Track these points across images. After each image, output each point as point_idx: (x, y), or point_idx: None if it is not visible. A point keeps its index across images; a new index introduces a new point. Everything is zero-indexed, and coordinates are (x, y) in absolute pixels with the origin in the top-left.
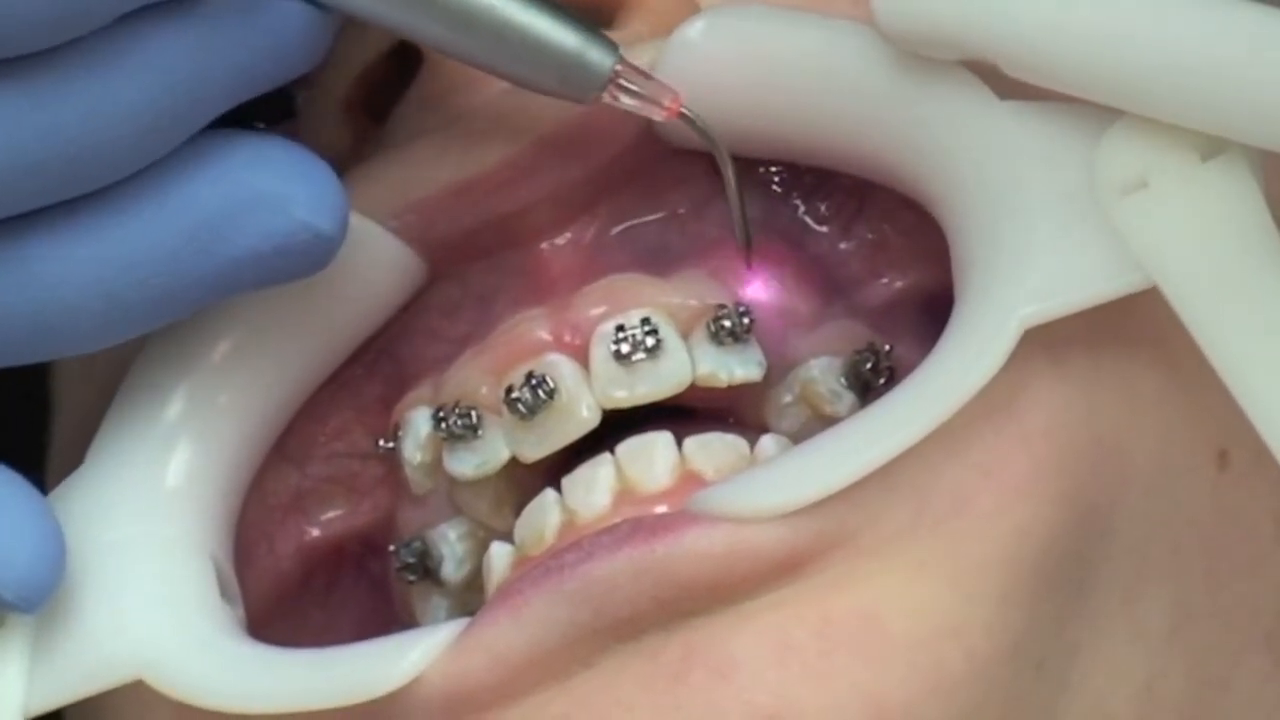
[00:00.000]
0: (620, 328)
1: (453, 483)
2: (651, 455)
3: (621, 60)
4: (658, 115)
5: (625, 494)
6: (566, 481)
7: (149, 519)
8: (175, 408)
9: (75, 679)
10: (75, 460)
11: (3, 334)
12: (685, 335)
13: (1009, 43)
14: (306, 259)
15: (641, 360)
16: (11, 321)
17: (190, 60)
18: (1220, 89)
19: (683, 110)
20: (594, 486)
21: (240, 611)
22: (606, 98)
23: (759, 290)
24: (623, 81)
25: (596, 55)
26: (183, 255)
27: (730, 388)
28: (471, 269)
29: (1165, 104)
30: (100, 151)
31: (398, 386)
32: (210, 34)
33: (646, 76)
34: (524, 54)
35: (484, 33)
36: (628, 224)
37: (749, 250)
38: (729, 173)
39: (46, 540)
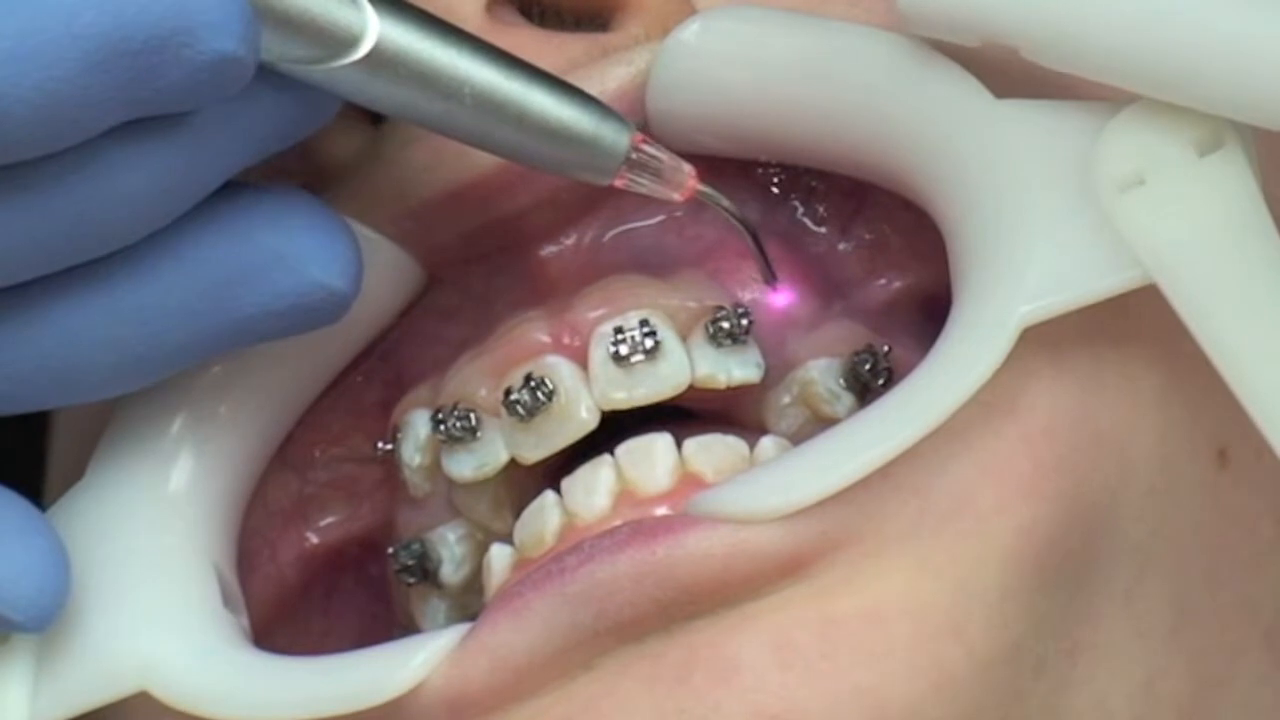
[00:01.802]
0: (619, 329)
1: (452, 485)
2: (651, 457)
3: (635, 140)
4: (675, 197)
5: (625, 496)
6: (566, 483)
7: (151, 530)
8: (176, 418)
9: (79, 691)
10: (75, 473)
11: (17, 384)
12: (684, 337)
13: (1031, 27)
14: (320, 315)
15: (640, 362)
16: (26, 373)
17: (186, 151)
18: (1243, 73)
19: (700, 188)
20: (594, 488)
21: (244, 620)
22: (619, 183)
23: (759, 293)
24: (638, 162)
25: (610, 138)
26: (196, 312)
27: (729, 389)
28: (470, 273)
29: (1188, 87)
30: (98, 232)
31: (397, 391)
32: (206, 128)
33: (660, 156)
34: (538, 143)
35: (497, 121)
36: (625, 227)
37: (774, 283)
38: (748, 233)
39: (51, 560)
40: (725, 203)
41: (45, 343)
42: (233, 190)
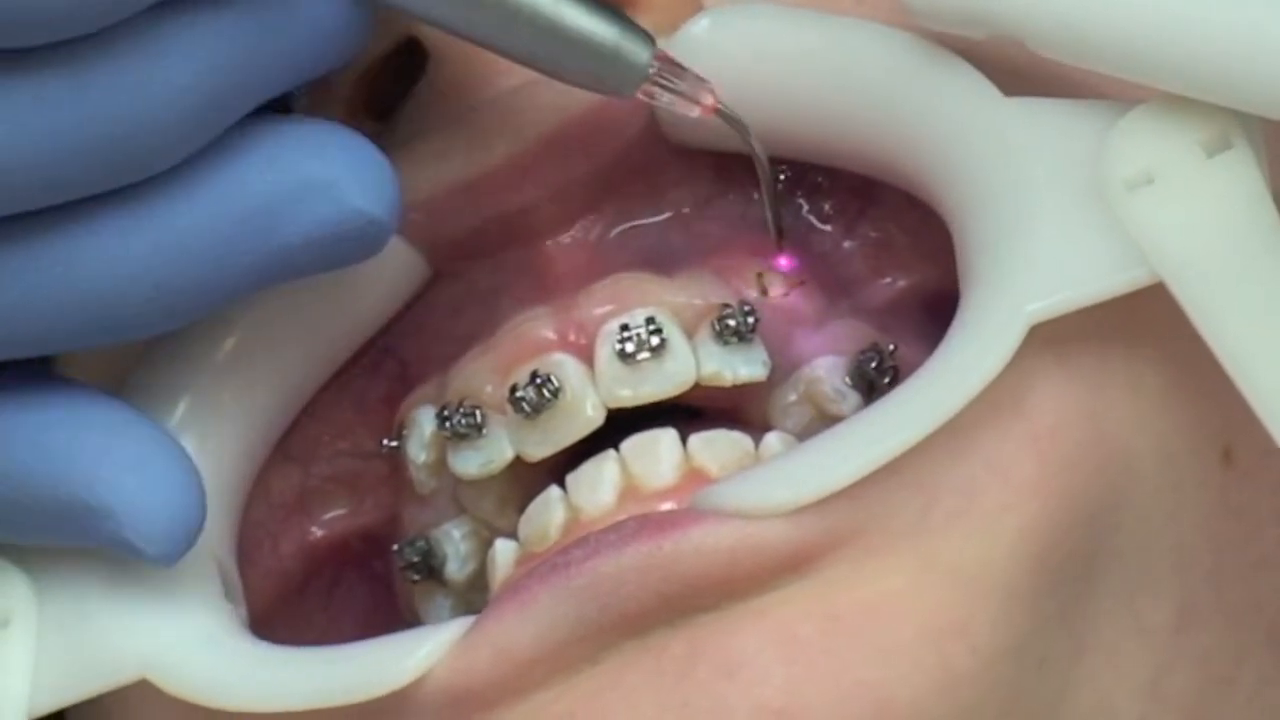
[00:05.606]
0: (625, 327)
1: (457, 482)
2: (656, 452)
3: (658, 54)
4: (694, 112)
5: (630, 491)
6: (571, 479)
7: None
8: (179, 407)
9: (80, 678)
10: None
11: (53, 322)
12: (690, 334)
13: (1037, 19)
14: (360, 245)
15: (646, 359)
16: (62, 310)
17: (231, 46)
18: (1253, 64)
19: (719, 107)
20: (599, 484)
21: (243, 611)
22: (642, 95)
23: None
24: (659, 77)
25: (633, 50)
26: (235, 242)
27: (735, 387)
28: (476, 267)
29: (1195, 79)
30: (142, 137)
31: (402, 385)
32: (251, 22)
33: (683, 71)
34: (561, 49)
35: (521, 26)
36: (632, 223)
37: (780, 243)
38: (764, 168)
39: (188, 494)
40: (748, 131)
41: (82, 272)
42: (270, 118)
